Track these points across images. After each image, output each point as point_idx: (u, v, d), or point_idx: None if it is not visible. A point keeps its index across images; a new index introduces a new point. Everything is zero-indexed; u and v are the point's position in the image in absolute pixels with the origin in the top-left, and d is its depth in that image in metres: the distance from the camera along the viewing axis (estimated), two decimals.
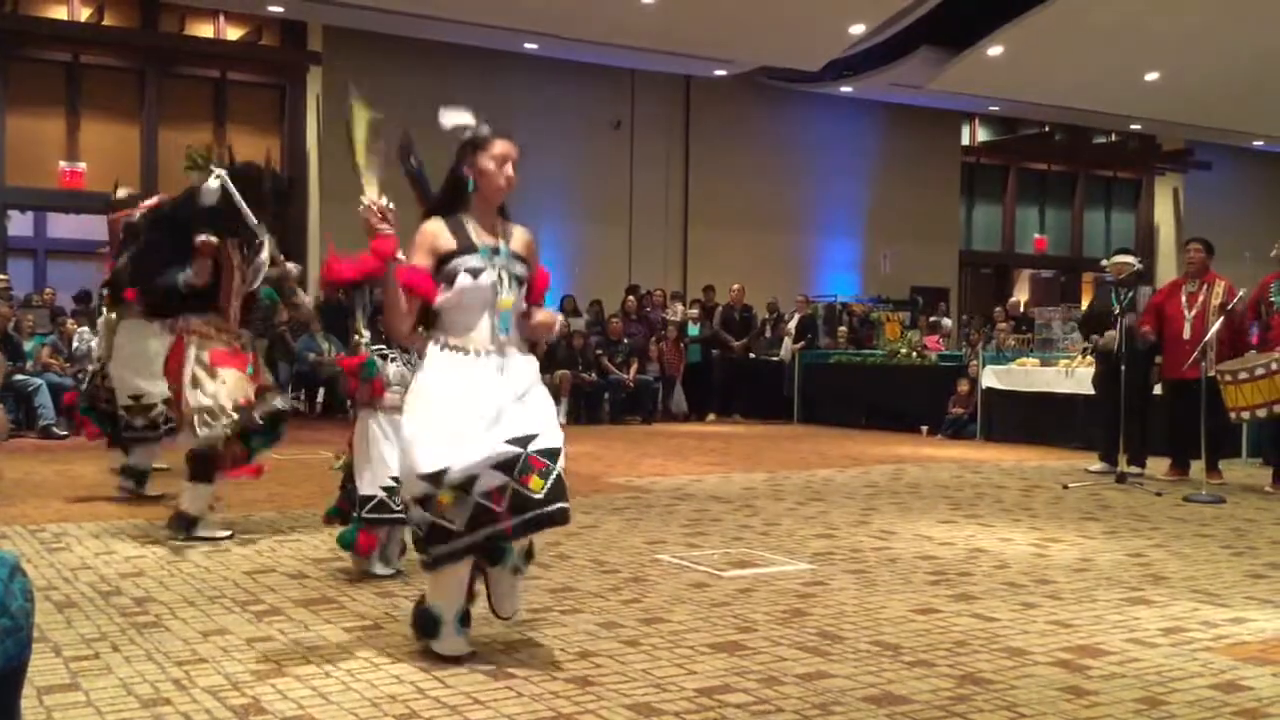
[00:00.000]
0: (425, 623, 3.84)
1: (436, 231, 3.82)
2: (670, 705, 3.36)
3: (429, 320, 3.86)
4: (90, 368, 7.90)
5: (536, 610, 4.46)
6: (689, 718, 3.26)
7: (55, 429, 11.82)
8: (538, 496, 3.65)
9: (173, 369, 6.01)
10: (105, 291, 7.73)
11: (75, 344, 12.70)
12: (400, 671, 3.65)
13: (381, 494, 4.97)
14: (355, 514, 5.02)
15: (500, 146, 3.85)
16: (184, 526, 5.94)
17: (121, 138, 16.18)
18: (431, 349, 3.82)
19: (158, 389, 7.35)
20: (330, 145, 16.55)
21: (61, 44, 15.93)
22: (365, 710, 3.29)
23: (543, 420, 3.77)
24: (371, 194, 4.18)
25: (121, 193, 7.72)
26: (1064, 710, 3.37)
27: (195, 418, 5.82)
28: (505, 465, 3.65)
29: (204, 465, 5.92)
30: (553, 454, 3.71)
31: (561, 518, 3.71)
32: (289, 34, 17.15)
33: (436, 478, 3.62)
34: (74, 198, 15.99)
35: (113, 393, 7.46)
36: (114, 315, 7.50)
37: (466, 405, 3.69)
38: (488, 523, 3.66)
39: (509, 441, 3.66)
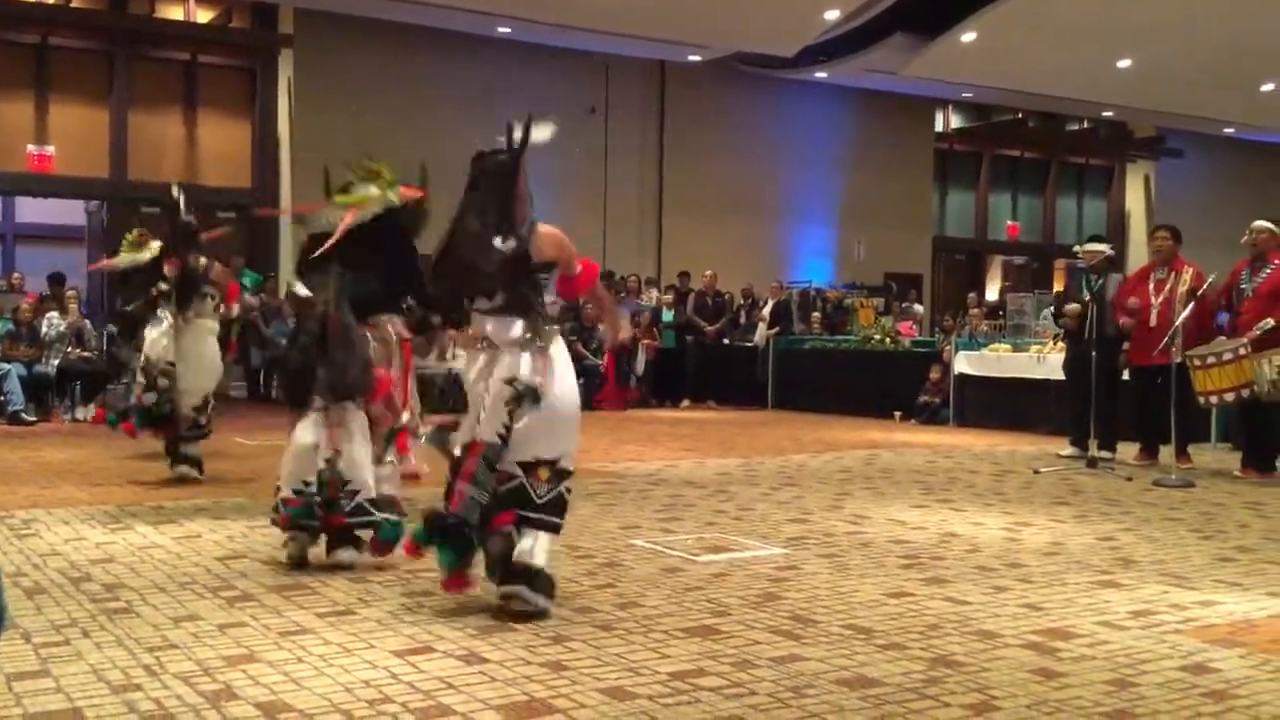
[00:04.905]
0: (550, 586, 4.15)
1: None
2: (644, 689, 3.37)
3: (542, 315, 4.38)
4: (157, 373, 7.43)
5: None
6: (662, 701, 3.26)
7: (24, 414, 11.73)
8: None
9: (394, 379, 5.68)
10: (172, 292, 7.51)
11: (45, 329, 12.59)
12: (374, 657, 3.64)
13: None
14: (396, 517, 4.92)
15: None
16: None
17: (90, 120, 15.99)
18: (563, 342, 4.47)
19: (209, 388, 7.80)
20: (300, 127, 16.42)
21: (30, 25, 15.72)
22: (338, 695, 3.28)
23: None
24: None
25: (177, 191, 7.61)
26: (1034, 692, 3.40)
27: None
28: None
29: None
30: None
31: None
32: (260, 16, 16.98)
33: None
34: (43, 181, 15.82)
35: (171, 396, 7.41)
36: (182, 319, 7.47)
37: None
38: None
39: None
